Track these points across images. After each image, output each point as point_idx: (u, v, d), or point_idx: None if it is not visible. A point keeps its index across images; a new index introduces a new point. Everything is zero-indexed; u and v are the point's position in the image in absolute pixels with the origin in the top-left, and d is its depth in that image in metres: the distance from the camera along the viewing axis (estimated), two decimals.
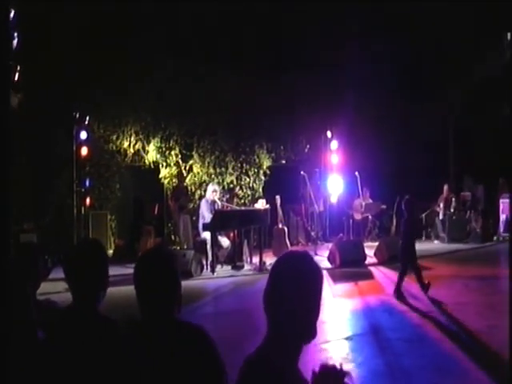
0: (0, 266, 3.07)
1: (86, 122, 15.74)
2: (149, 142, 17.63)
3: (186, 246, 15.40)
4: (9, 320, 2.99)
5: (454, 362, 6.43)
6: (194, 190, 17.91)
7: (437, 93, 19.79)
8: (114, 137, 17.32)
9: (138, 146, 17.59)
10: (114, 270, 13.45)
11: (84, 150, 15.57)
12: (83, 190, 15.99)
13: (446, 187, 19.15)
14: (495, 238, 18.52)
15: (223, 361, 2.52)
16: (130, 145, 17.50)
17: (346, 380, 2.10)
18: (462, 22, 17.07)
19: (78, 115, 15.51)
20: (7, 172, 3.12)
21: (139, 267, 2.66)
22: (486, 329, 7.74)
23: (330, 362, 2.13)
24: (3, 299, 2.98)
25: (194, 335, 2.53)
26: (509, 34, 18.07)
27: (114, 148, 17.47)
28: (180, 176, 17.73)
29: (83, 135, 15.53)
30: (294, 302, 2.15)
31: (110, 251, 16.25)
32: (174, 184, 17.73)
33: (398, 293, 9.83)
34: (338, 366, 2.12)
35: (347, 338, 7.55)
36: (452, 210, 18.77)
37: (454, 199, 18.92)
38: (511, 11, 16.65)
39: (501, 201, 18.71)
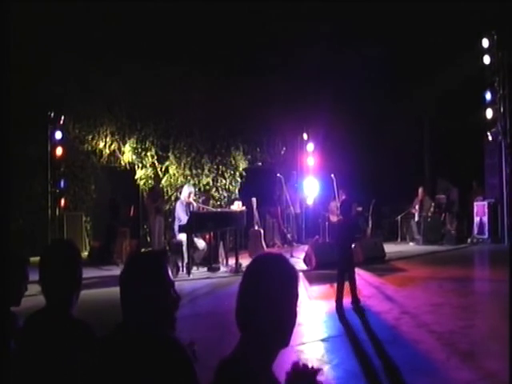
0: None
1: (61, 122, 15.60)
2: (124, 143, 17.54)
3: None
4: None
5: (429, 362, 6.47)
6: (169, 191, 17.85)
7: (412, 95, 19.96)
8: (90, 137, 17.19)
9: (114, 146, 17.49)
10: (89, 273, 13.37)
11: (59, 151, 15.44)
12: (58, 190, 15.84)
13: (420, 190, 19.32)
14: (469, 239, 18.73)
15: (195, 371, 2.43)
16: (105, 145, 17.39)
17: (318, 377, 2.11)
18: (437, 26, 17.22)
19: (52, 115, 15.37)
20: (6, 173, 3.07)
21: (128, 271, 2.49)
22: (460, 329, 7.80)
23: (302, 362, 2.12)
24: None
25: (169, 348, 2.39)
26: (485, 40, 18.30)
27: (90, 148, 17.35)
28: (156, 177, 17.65)
29: (58, 135, 15.39)
30: (267, 303, 2.13)
31: (85, 253, 16.12)
32: (150, 185, 17.64)
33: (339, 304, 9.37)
34: (310, 365, 2.12)
35: (323, 340, 7.56)
36: (432, 211, 18.93)
37: (433, 204, 19.10)
38: (488, 15, 16.92)
39: (475, 203, 18.95)
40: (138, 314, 2.41)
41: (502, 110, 18.34)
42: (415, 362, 6.51)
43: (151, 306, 2.43)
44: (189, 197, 13.92)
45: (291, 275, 2.24)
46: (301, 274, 12.43)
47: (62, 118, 15.63)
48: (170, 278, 2.54)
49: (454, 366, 6.27)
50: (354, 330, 8.03)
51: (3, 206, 3.00)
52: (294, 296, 2.21)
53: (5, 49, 2.90)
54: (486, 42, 18.30)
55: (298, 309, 2.22)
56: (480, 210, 18.75)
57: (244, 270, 2.32)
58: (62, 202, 16.03)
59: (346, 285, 9.41)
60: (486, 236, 18.40)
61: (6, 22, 2.88)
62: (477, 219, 18.81)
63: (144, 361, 2.31)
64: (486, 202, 18.66)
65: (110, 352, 2.38)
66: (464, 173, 19.09)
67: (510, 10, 15.94)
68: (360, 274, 12.96)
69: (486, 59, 18.31)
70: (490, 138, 18.69)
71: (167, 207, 17.45)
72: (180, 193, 15.32)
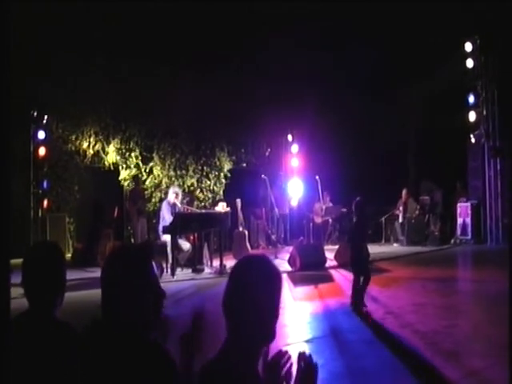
0: None
1: (45, 122, 15.48)
2: (109, 143, 17.44)
3: None
4: None
5: (412, 361, 6.50)
6: (153, 192, 17.78)
7: (397, 97, 20.05)
8: (73, 137, 17.07)
9: (98, 147, 17.39)
10: (72, 275, 13.28)
11: (42, 151, 15.32)
12: (40, 191, 15.71)
13: (404, 191, 19.42)
14: (453, 240, 18.88)
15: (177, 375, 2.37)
16: (89, 146, 17.27)
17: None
18: (422, 30, 17.30)
19: (35, 114, 15.25)
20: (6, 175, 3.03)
21: (107, 266, 2.39)
22: (443, 329, 7.84)
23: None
24: None
25: (150, 351, 2.29)
26: (468, 44, 18.46)
27: (73, 149, 17.22)
28: (138, 179, 17.52)
29: (41, 135, 15.27)
30: (252, 305, 2.16)
31: (69, 255, 15.99)
32: (131, 187, 17.51)
33: (356, 304, 9.25)
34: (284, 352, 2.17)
35: (307, 341, 7.56)
36: (417, 213, 19.05)
37: (418, 206, 19.22)
38: (472, 19, 17.05)
39: (458, 205, 19.10)
40: (119, 311, 2.32)
41: (484, 113, 18.55)
42: (400, 362, 6.53)
43: (133, 303, 2.32)
44: (175, 197, 13.88)
45: (275, 277, 2.27)
46: (285, 275, 12.44)
47: (46, 117, 15.51)
48: (154, 273, 2.45)
49: (438, 365, 6.30)
50: (339, 330, 8.04)
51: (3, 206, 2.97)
52: (278, 297, 2.25)
53: (5, 49, 2.88)
54: (469, 46, 18.49)
55: (281, 309, 2.25)
56: (463, 211, 18.90)
57: (228, 271, 2.34)
58: (45, 202, 15.89)
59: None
60: (469, 237, 18.57)
61: (7, 22, 2.86)
62: (460, 220, 18.96)
63: (123, 364, 2.24)
64: (469, 204, 18.81)
65: (88, 352, 2.32)
66: (448, 174, 19.22)
67: (492, 14, 16.13)
68: (344, 275, 13.02)
69: (469, 63, 18.50)
70: (473, 141, 18.88)
71: (151, 208, 17.37)
72: (165, 193, 15.28)
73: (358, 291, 9.34)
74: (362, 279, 9.38)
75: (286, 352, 2.18)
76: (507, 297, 5.18)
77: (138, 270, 2.37)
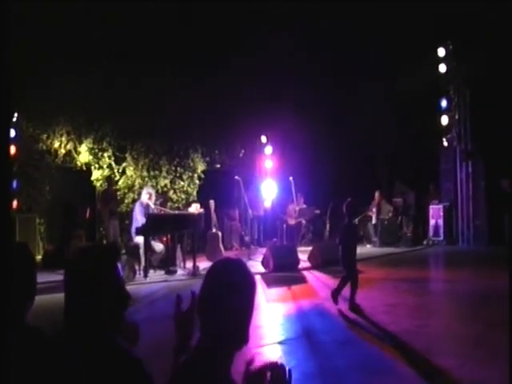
0: None
1: (15, 120, 15.26)
2: (81, 143, 17.23)
3: None
4: None
5: (385, 361, 6.55)
6: (126, 193, 17.64)
7: (371, 100, 20.18)
8: (45, 136, 16.81)
9: (70, 146, 17.14)
10: (43, 277, 13.15)
11: (11, 150, 15.10)
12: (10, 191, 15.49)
13: (377, 193, 19.57)
14: (425, 242, 19.09)
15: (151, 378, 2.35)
16: (61, 145, 17.02)
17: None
18: (396, 34, 17.46)
19: None
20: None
21: (71, 268, 2.36)
22: (415, 328, 7.91)
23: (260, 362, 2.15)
24: None
25: (126, 361, 2.26)
26: (441, 49, 18.67)
27: (45, 148, 16.95)
28: (110, 179, 17.35)
29: (11, 133, 15.07)
30: (227, 308, 2.18)
31: (39, 257, 15.77)
32: (103, 188, 17.34)
33: (352, 304, 9.28)
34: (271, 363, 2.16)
35: (280, 342, 7.56)
36: (390, 215, 19.20)
37: (391, 208, 19.39)
38: (444, 25, 17.25)
39: (431, 207, 19.32)
40: (84, 314, 2.28)
41: (457, 117, 18.81)
42: (372, 361, 6.57)
43: (98, 305, 2.28)
44: (148, 198, 13.80)
45: (249, 280, 2.29)
46: (259, 277, 12.44)
47: (16, 115, 15.29)
48: (120, 275, 2.41)
49: (409, 364, 6.35)
50: (312, 332, 8.06)
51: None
52: (252, 300, 2.26)
53: (5, 49, 2.84)
54: (441, 52, 18.73)
55: (254, 311, 2.26)
56: (435, 213, 19.13)
57: (202, 272, 2.34)
58: (14, 203, 15.65)
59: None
60: (442, 238, 18.82)
61: (6, 22, 2.82)
62: (432, 222, 19.18)
63: (86, 367, 2.21)
64: (441, 206, 19.06)
65: (52, 359, 2.28)
66: (420, 177, 19.43)
67: (465, 20, 16.36)
68: (317, 277, 13.08)
69: (442, 68, 18.75)
70: (446, 144, 19.12)
71: (124, 209, 17.24)
72: (138, 194, 15.18)
73: (338, 289, 9.43)
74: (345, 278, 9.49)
75: (272, 364, 2.16)
76: (508, 297, 5.23)
77: (100, 271, 2.32)
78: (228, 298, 2.18)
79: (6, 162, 2.91)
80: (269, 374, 2.14)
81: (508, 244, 16.54)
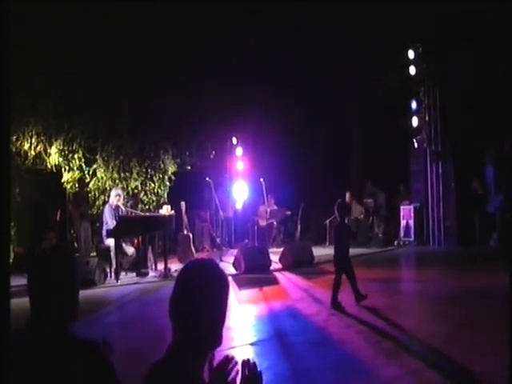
0: None
1: None
2: (51, 145, 17.01)
3: (86, 255, 14.96)
4: None
5: (357, 361, 6.58)
6: (97, 195, 17.49)
7: (341, 100, 20.31)
8: (14, 137, 16.59)
9: (40, 148, 16.91)
10: (13, 280, 13.01)
11: None
12: None
13: (348, 194, 19.64)
14: (396, 242, 19.23)
15: (114, 375, 2.40)
16: (30, 147, 16.79)
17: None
18: (367, 37, 17.58)
19: None
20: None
21: (34, 267, 2.51)
22: (387, 328, 7.96)
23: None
24: None
25: (86, 351, 2.37)
26: (410, 51, 18.86)
27: (14, 150, 16.73)
28: (81, 181, 17.18)
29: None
30: (199, 309, 2.16)
31: (10, 260, 15.59)
32: (74, 190, 17.17)
33: (335, 302, 9.42)
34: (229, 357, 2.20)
35: (252, 344, 7.56)
36: (362, 216, 19.33)
37: (363, 210, 19.54)
38: (414, 27, 17.42)
39: (401, 207, 19.47)
40: (49, 309, 2.41)
41: (427, 118, 19.00)
42: (344, 361, 6.60)
43: (61, 301, 2.43)
44: (117, 200, 13.71)
45: (222, 281, 2.29)
46: (230, 278, 12.41)
47: None
48: (77, 272, 2.56)
49: (381, 364, 6.39)
50: (284, 333, 8.06)
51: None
52: (225, 301, 2.25)
53: (5, 49, 2.80)
54: (411, 54, 18.92)
55: (227, 312, 2.23)
56: (406, 213, 19.29)
57: (173, 274, 2.34)
58: None
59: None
60: (412, 239, 18.97)
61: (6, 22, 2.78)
62: (403, 222, 19.34)
63: (58, 362, 2.28)
64: (412, 206, 19.21)
65: (21, 354, 2.33)
66: (391, 177, 19.57)
67: (434, 22, 16.53)
68: (289, 278, 13.10)
69: (412, 70, 18.93)
70: (416, 145, 19.28)
71: (95, 211, 17.08)
72: (108, 196, 15.06)
73: (335, 288, 9.49)
74: (341, 277, 9.61)
75: (232, 358, 2.19)
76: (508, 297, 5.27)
77: (64, 269, 2.49)
78: (200, 299, 2.16)
79: (5, 161, 2.87)
80: (241, 372, 2.15)
81: (478, 245, 16.79)
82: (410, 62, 18.95)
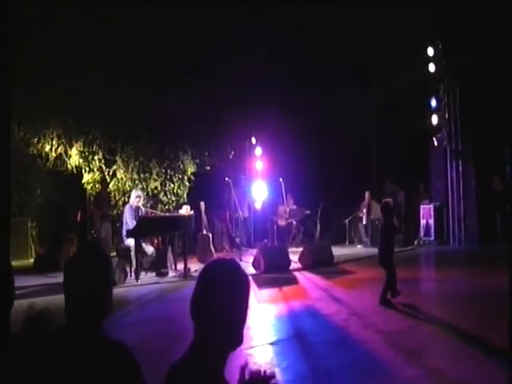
0: None
1: None
2: (71, 146, 17.18)
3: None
4: None
5: (377, 361, 6.55)
6: (117, 196, 17.60)
7: (360, 99, 20.24)
8: (35, 140, 16.78)
9: (61, 149, 17.09)
10: (34, 280, 13.05)
11: None
12: None
13: (367, 193, 19.59)
14: (416, 242, 19.09)
15: (143, 377, 2.44)
16: (51, 149, 16.98)
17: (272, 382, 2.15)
18: (385, 34, 17.48)
19: None
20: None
21: (69, 268, 2.51)
22: (407, 328, 7.93)
23: (255, 367, 2.15)
24: None
25: (115, 352, 2.41)
26: (430, 49, 18.71)
27: (35, 152, 16.93)
28: (103, 182, 17.35)
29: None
30: (221, 309, 2.16)
31: (31, 260, 15.75)
32: (97, 190, 17.34)
33: (385, 300, 9.56)
34: (263, 371, 2.16)
35: (272, 343, 7.56)
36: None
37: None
38: (433, 24, 17.28)
39: (421, 206, 19.33)
40: (83, 309, 2.42)
41: (446, 116, 18.83)
42: (363, 361, 6.58)
43: (95, 301, 2.45)
44: (138, 201, 13.79)
45: (243, 281, 2.28)
46: (250, 278, 12.43)
47: None
48: (110, 272, 2.60)
49: (401, 364, 6.37)
50: (303, 332, 8.06)
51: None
52: (246, 300, 2.25)
53: (5, 49, 2.83)
54: (430, 51, 18.75)
55: (248, 312, 2.25)
56: (426, 212, 19.15)
57: (193, 274, 2.35)
58: None
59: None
60: (432, 238, 18.80)
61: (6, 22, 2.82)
62: (423, 222, 19.20)
63: (91, 362, 2.30)
64: (431, 205, 19.06)
65: (55, 354, 2.35)
66: (410, 176, 19.43)
67: (454, 19, 16.38)
68: (308, 277, 13.08)
69: (431, 67, 18.75)
70: (436, 143, 19.13)
71: (115, 212, 17.21)
72: (128, 197, 15.16)
73: (389, 286, 9.62)
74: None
75: (270, 376, 2.19)
76: (508, 297, 5.24)
77: (99, 268, 2.51)
78: (221, 299, 2.16)
79: (5, 161, 2.90)
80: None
81: (500, 243, 16.61)
82: (430, 59, 18.79)
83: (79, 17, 14.77)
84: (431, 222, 18.94)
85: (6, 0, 2.80)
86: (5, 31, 2.85)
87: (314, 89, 18.95)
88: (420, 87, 18.52)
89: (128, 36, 15.69)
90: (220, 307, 2.16)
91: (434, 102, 18.98)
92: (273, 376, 2.19)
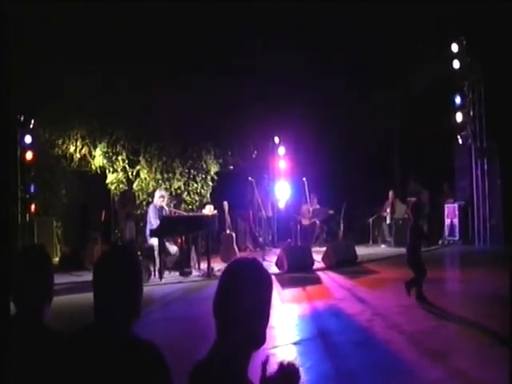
0: None
1: (31, 126, 15.38)
2: (95, 147, 17.35)
3: None
4: None
5: (401, 362, 6.52)
6: (141, 196, 17.72)
7: (382, 98, 20.11)
8: (60, 141, 16.98)
9: (85, 150, 17.28)
10: (60, 278, 13.18)
11: (29, 155, 15.20)
12: (28, 195, 15.59)
13: (391, 193, 19.45)
14: (440, 241, 18.90)
15: (171, 377, 2.45)
16: (76, 149, 17.17)
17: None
18: (409, 31, 17.35)
19: (22, 119, 15.15)
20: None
21: (98, 268, 2.53)
22: (431, 329, 7.88)
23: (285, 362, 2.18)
24: None
25: (144, 352, 2.42)
26: (454, 45, 18.51)
27: (60, 153, 17.13)
28: (127, 182, 17.49)
29: (28, 139, 15.18)
30: (244, 308, 2.17)
31: (56, 259, 15.93)
32: (121, 190, 17.49)
33: (421, 297, 9.63)
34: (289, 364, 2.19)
35: (295, 343, 7.56)
36: (406, 216, 19.10)
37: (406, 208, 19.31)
38: (458, 21, 17.10)
39: (445, 206, 19.14)
40: (113, 309, 2.45)
41: (471, 113, 18.60)
42: (387, 362, 6.55)
43: (127, 304, 2.49)
44: (161, 201, 13.86)
45: (266, 281, 2.29)
46: (273, 278, 12.43)
47: (32, 121, 15.41)
48: (140, 272, 2.65)
49: (426, 365, 6.33)
50: (327, 332, 8.05)
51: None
52: (268, 301, 2.26)
53: (5, 49, 2.87)
54: (455, 47, 18.52)
55: (271, 312, 2.26)
56: (451, 212, 18.96)
57: (216, 274, 2.36)
58: (33, 207, 15.77)
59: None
60: (457, 238, 18.60)
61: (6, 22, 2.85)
62: (447, 221, 19.01)
63: (118, 362, 2.32)
64: (456, 205, 18.86)
65: (82, 354, 2.38)
66: (434, 175, 19.25)
67: (479, 15, 16.20)
68: (332, 277, 13.06)
69: (456, 64, 18.52)
70: (460, 142, 18.93)
71: (138, 212, 17.33)
72: (152, 197, 15.25)
73: (417, 287, 9.65)
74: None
75: (291, 372, 2.20)
76: (509, 298, 5.19)
77: (129, 269, 2.55)
78: (245, 298, 2.17)
79: (5, 160, 2.93)
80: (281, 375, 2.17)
81: None
82: (454, 56, 18.56)
83: (79, 17, 14.86)
84: (456, 221, 18.75)
85: (6, 0, 2.83)
86: (5, 31, 2.88)
87: (338, 88, 18.85)
88: (444, 84, 18.33)
89: (128, 36, 15.75)
90: (243, 307, 2.16)
91: (458, 100, 18.76)
92: (297, 371, 2.22)
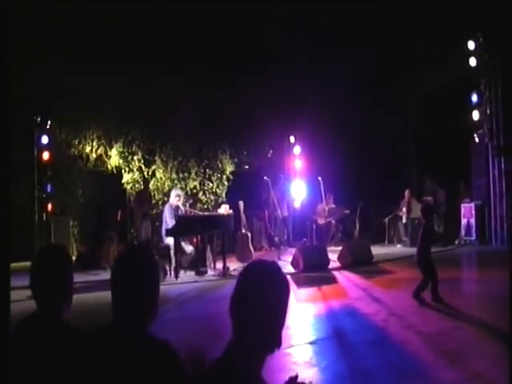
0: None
1: (48, 127, 15.50)
2: (111, 147, 17.46)
3: None
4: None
5: (416, 362, 6.49)
6: (156, 195, 17.79)
7: (398, 97, 20.04)
8: (76, 141, 17.10)
9: (101, 150, 17.41)
10: (76, 277, 13.27)
11: (45, 155, 15.32)
12: (44, 195, 15.71)
13: (407, 192, 19.33)
14: (457, 241, 18.77)
15: (186, 375, 2.46)
16: (92, 150, 17.30)
17: None
18: (425, 29, 17.26)
19: (39, 119, 15.27)
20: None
21: (116, 268, 2.56)
22: (447, 330, 7.84)
23: (294, 373, 2.17)
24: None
25: (160, 352, 2.44)
26: (470, 42, 18.35)
27: (76, 153, 17.26)
28: (143, 181, 17.58)
29: (45, 140, 15.30)
30: (260, 310, 2.17)
31: (73, 258, 16.04)
32: (137, 189, 17.58)
33: (437, 299, 9.58)
34: (302, 379, 2.19)
35: (311, 343, 7.56)
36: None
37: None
38: (474, 18, 16.97)
39: (462, 205, 18.98)
40: (130, 308, 2.48)
41: (488, 111, 18.42)
42: (403, 363, 6.53)
43: (144, 304, 2.51)
44: (177, 200, 13.91)
45: (283, 284, 2.30)
46: (288, 277, 12.42)
47: (49, 122, 15.52)
48: (157, 272, 2.65)
49: (441, 367, 6.30)
50: (342, 332, 8.04)
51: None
52: (285, 303, 2.27)
53: (5, 49, 2.90)
54: (471, 45, 18.36)
55: (287, 315, 2.27)
56: (467, 211, 18.79)
57: (232, 273, 2.36)
58: (49, 206, 15.89)
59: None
60: (474, 238, 18.43)
61: (6, 22, 2.87)
62: (464, 221, 18.85)
63: (135, 362, 2.34)
64: (472, 204, 18.69)
65: (99, 353, 2.41)
66: (451, 174, 19.12)
67: (495, 12, 16.07)
68: (347, 277, 13.03)
69: (472, 61, 18.35)
70: (477, 140, 18.77)
71: (154, 211, 17.40)
72: (168, 197, 15.31)
73: (433, 290, 9.58)
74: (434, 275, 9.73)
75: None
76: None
77: (147, 269, 2.56)
78: (262, 300, 2.18)
79: (5, 160, 2.95)
80: None
81: None
82: (470, 53, 18.39)
83: (79, 17, 14.91)
84: (472, 221, 18.58)
85: (6, 0, 2.85)
86: (5, 31, 2.90)
87: (353, 86, 18.81)
88: (460, 82, 18.18)
89: (129, 36, 15.78)
90: (259, 309, 2.17)
91: (474, 98, 18.59)
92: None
